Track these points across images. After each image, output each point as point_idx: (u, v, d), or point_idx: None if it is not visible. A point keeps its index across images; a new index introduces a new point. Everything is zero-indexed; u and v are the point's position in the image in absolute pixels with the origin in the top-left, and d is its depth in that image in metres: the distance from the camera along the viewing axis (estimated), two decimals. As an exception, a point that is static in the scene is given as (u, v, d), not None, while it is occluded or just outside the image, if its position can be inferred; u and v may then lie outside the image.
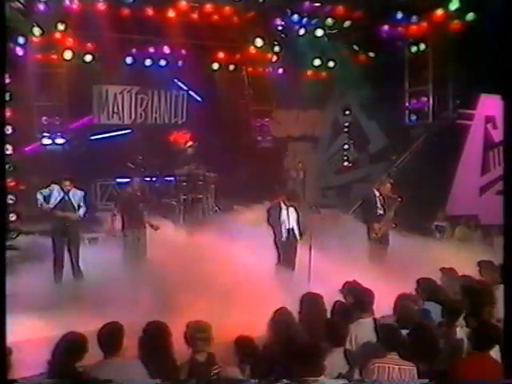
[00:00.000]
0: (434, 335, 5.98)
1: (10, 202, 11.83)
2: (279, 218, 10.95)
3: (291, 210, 11.06)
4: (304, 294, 6.98)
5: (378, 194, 11.97)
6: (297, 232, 11.06)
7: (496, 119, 14.44)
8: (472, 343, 5.83)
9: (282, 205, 11.07)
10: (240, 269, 9.91)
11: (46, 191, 10.89)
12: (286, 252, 10.93)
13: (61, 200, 10.89)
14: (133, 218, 11.44)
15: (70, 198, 10.93)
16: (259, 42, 16.11)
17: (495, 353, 5.80)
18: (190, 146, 16.04)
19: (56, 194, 10.92)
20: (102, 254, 11.45)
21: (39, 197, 10.81)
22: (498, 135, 14.37)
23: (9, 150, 11.38)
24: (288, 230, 10.96)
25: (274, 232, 10.99)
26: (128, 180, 12.00)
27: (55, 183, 11.00)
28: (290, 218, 11.00)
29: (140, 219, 11.52)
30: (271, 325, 6.26)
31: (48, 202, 10.83)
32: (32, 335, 7.61)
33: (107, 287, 9.18)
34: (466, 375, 5.54)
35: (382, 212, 11.88)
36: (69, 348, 5.30)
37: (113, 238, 11.68)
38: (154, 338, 5.72)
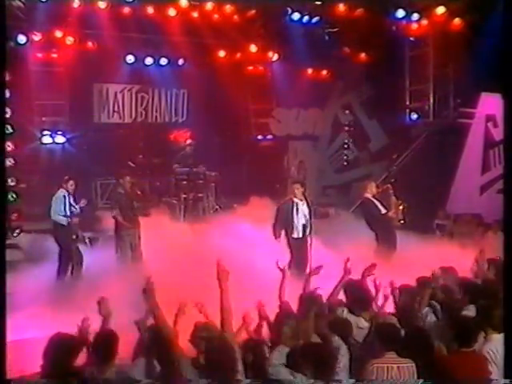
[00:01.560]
0: (429, 335, 5.97)
1: (11, 200, 11.84)
2: (292, 214, 10.77)
3: (304, 204, 10.85)
4: (302, 293, 6.96)
5: (370, 196, 11.92)
6: (309, 227, 10.80)
7: (497, 118, 14.42)
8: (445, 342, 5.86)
9: (295, 200, 10.89)
10: (241, 268, 9.88)
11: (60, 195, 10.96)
12: (298, 251, 10.70)
13: (64, 200, 10.94)
14: (133, 217, 11.44)
15: (70, 198, 10.97)
16: (259, 41, 16.10)
17: (496, 352, 5.81)
18: (190, 145, 16.03)
19: (61, 195, 10.98)
20: (102, 253, 11.46)
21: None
22: (498, 134, 14.34)
23: (9, 148, 11.39)
24: (304, 225, 10.73)
25: (286, 230, 10.76)
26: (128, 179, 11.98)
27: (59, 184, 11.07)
28: (303, 213, 10.79)
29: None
30: (271, 326, 6.25)
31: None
32: (31, 335, 7.60)
33: (107, 287, 9.17)
34: (452, 372, 5.55)
35: (384, 210, 11.86)
36: (61, 348, 5.22)
37: (113, 236, 11.67)
38: (153, 340, 5.70)
